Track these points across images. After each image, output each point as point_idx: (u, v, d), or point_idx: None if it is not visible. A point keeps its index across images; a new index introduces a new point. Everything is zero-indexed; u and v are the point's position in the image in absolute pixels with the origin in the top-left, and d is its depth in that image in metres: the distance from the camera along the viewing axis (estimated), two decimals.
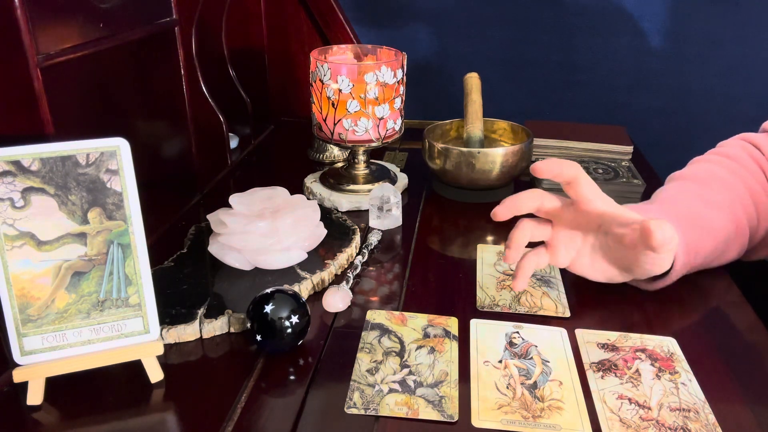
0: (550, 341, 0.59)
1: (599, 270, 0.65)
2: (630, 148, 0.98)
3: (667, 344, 0.59)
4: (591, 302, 0.66)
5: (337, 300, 0.64)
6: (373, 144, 0.85)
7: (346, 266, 0.72)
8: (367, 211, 0.82)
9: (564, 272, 0.70)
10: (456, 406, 0.51)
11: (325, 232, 0.73)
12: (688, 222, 0.64)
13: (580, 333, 0.61)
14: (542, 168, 0.59)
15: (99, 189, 0.51)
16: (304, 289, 0.65)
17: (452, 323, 0.62)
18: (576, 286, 0.68)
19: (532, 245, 0.65)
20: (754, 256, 0.72)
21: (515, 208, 0.62)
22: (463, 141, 0.95)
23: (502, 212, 0.62)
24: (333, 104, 0.82)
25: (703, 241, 0.64)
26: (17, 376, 0.50)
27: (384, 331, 0.60)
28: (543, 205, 0.62)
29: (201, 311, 0.61)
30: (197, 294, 0.64)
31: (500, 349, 0.58)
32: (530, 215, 0.64)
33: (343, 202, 0.85)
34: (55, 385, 0.52)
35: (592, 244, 0.63)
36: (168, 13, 0.77)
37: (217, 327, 0.60)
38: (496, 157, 0.84)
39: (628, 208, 0.64)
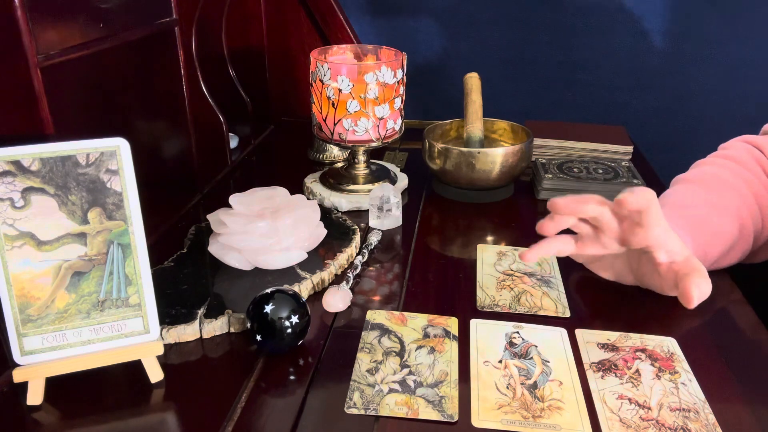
0: (550, 341, 0.59)
1: (614, 272, 0.65)
2: (630, 148, 0.98)
3: (667, 344, 0.59)
4: (591, 302, 0.66)
5: (337, 300, 0.64)
6: (373, 144, 0.85)
7: (346, 266, 0.72)
8: (367, 211, 0.82)
9: (564, 272, 0.70)
10: (456, 406, 0.51)
11: (325, 232, 0.73)
12: (698, 227, 0.64)
13: (580, 333, 0.61)
14: (630, 201, 0.56)
15: (99, 189, 0.51)
16: (304, 289, 0.65)
17: (452, 323, 0.62)
18: (576, 286, 0.68)
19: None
20: (756, 258, 0.72)
21: (576, 210, 0.59)
22: (463, 141, 0.95)
23: (562, 206, 0.58)
24: (333, 104, 0.82)
25: (713, 245, 0.65)
26: (17, 376, 0.50)
27: (384, 331, 0.60)
28: (602, 217, 0.59)
29: (201, 311, 0.61)
30: (197, 294, 0.64)
31: (500, 349, 0.58)
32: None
33: (343, 202, 0.85)
34: (55, 385, 0.52)
35: (622, 251, 0.63)
36: (168, 13, 0.77)
37: (217, 327, 0.60)
38: (496, 157, 0.84)
39: None
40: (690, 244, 0.62)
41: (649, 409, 0.51)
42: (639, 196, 0.56)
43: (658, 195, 0.72)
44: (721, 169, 0.71)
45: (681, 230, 0.62)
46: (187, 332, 0.59)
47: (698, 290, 0.58)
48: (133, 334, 0.53)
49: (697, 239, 0.63)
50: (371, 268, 0.72)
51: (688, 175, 0.73)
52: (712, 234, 0.65)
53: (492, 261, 0.73)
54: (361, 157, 0.89)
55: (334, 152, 1.03)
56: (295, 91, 1.19)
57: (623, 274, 0.66)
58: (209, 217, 0.70)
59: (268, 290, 0.57)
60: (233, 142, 1.05)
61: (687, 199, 0.68)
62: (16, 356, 0.50)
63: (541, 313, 0.64)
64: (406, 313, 0.63)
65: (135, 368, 0.53)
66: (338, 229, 0.77)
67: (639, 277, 0.65)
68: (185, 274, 0.67)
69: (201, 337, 0.60)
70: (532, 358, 0.57)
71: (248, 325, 0.56)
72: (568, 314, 0.63)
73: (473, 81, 0.93)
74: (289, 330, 0.55)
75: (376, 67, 0.80)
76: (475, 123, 0.92)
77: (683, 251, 0.60)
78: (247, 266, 0.68)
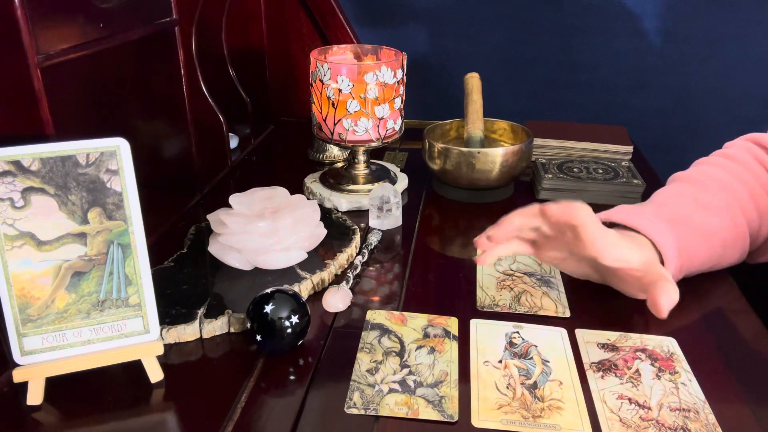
0: (550, 341, 0.59)
1: (582, 273, 0.66)
2: (630, 148, 0.98)
3: (667, 344, 0.59)
4: (591, 302, 0.66)
5: (337, 300, 0.64)
6: (373, 144, 0.85)
7: (346, 266, 0.72)
8: (367, 211, 0.82)
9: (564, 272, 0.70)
10: (456, 406, 0.51)
11: (325, 232, 0.73)
12: (682, 226, 0.64)
13: (580, 333, 0.61)
14: (553, 212, 0.58)
15: (99, 189, 0.51)
16: (304, 289, 0.65)
17: (452, 323, 0.62)
18: (576, 286, 0.68)
19: None
20: (758, 258, 0.72)
21: (513, 230, 0.61)
22: (463, 141, 0.95)
23: (497, 239, 0.61)
24: (333, 104, 0.82)
25: (698, 245, 0.64)
26: (17, 376, 0.50)
27: (384, 331, 0.60)
28: (540, 228, 0.61)
29: (201, 311, 0.61)
30: (197, 294, 0.64)
31: (500, 349, 0.58)
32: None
33: (343, 202, 0.85)
34: (55, 385, 0.52)
35: (582, 258, 0.63)
36: (168, 13, 0.77)
37: (217, 327, 0.60)
38: (496, 157, 0.84)
39: (624, 207, 0.66)
40: (673, 243, 0.62)
41: (649, 409, 0.51)
42: (563, 209, 0.57)
43: None
44: (716, 168, 0.71)
45: (661, 228, 0.62)
46: (187, 332, 0.59)
47: (667, 298, 0.57)
48: (133, 334, 0.53)
49: (681, 239, 0.62)
50: (371, 268, 0.72)
51: (683, 173, 0.73)
52: (698, 233, 0.64)
53: (492, 261, 0.73)
54: (361, 157, 0.89)
55: (334, 152, 1.03)
56: (295, 91, 1.19)
57: (590, 274, 0.66)
58: (209, 217, 0.70)
59: (268, 290, 0.57)
60: (233, 142, 1.05)
61: (673, 198, 0.68)
62: (16, 356, 0.50)
63: (541, 313, 0.64)
64: (406, 313, 0.63)
65: (135, 368, 0.53)
66: (338, 229, 0.77)
67: (604, 279, 0.65)
68: (185, 274, 0.67)
69: (201, 337, 0.60)
70: (532, 358, 0.57)
71: (248, 325, 0.56)
72: (568, 314, 0.63)
73: (473, 81, 0.93)
74: (289, 330, 0.55)
75: (376, 67, 0.80)
76: (476, 123, 0.92)
77: (638, 257, 0.59)
78: (247, 266, 0.68)
